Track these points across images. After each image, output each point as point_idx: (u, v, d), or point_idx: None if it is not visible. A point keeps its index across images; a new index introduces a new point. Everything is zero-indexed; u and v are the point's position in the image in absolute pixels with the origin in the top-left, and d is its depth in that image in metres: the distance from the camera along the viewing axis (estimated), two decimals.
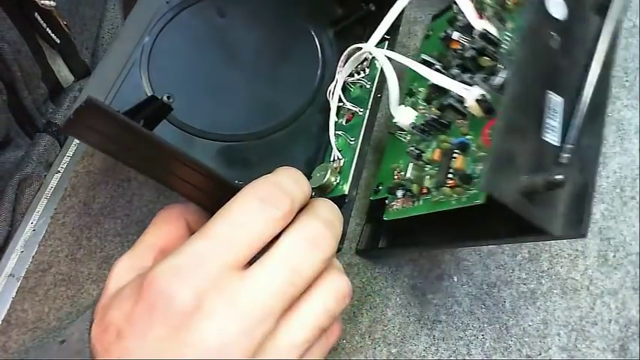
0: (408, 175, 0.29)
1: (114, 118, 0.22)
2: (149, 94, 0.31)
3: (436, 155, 0.28)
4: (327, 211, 0.25)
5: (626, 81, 0.39)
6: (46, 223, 0.36)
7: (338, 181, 0.31)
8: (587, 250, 0.34)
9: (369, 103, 0.33)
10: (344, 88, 0.34)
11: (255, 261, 0.23)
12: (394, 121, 0.31)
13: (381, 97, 0.33)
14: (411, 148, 0.29)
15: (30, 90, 0.40)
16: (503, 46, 0.27)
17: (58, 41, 0.41)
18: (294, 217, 0.24)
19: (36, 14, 0.39)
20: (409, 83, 0.34)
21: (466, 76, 0.27)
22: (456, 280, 0.34)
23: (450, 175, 0.26)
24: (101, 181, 0.37)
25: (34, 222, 0.36)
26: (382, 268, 0.34)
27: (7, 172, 0.39)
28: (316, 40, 0.37)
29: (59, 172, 0.38)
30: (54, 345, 0.25)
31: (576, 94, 0.23)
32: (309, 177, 0.30)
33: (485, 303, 0.33)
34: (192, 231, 0.27)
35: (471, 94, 0.25)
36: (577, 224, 0.21)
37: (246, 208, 0.23)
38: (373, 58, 0.33)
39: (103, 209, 0.36)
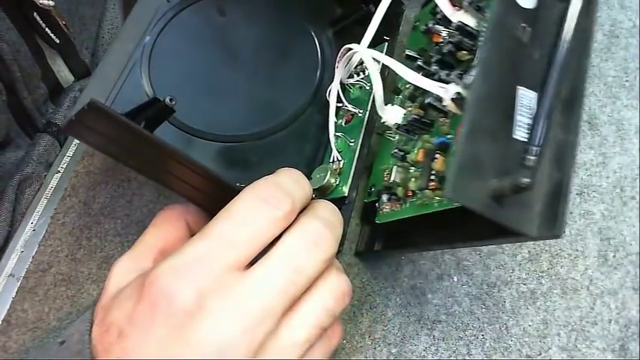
0: (393, 178, 0.29)
1: (116, 120, 0.22)
2: (149, 94, 0.31)
3: (420, 156, 0.27)
4: (327, 212, 0.25)
5: (626, 81, 0.39)
6: (46, 223, 0.36)
7: (338, 182, 0.31)
8: (587, 250, 0.34)
9: (369, 105, 0.33)
10: (344, 89, 0.34)
11: (256, 261, 0.23)
12: (382, 121, 0.31)
13: None
14: (395, 150, 0.29)
15: (30, 90, 0.40)
16: (481, 38, 0.26)
17: (58, 41, 0.41)
18: (295, 218, 0.24)
19: (35, 14, 0.39)
20: (397, 81, 0.34)
21: (444, 73, 0.26)
22: (456, 280, 0.34)
23: (432, 177, 0.25)
24: (101, 181, 0.37)
25: (34, 222, 0.36)
26: (382, 268, 0.34)
27: (7, 173, 0.39)
28: (316, 40, 0.37)
29: (59, 172, 0.38)
30: (53, 346, 0.25)
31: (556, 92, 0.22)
32: (308, 178, 0.30)
33: (485, 303, 0.33)
34: (192, 232, 0.27)
35: (447, 93, 0.24)
36: (552, 224, 0.21)
37: (247, 209, 0.23)
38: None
39: (103, 209, 0.36)
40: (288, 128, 0.34)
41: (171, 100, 0.26)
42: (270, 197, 0.23)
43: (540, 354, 0.32)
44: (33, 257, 0.35)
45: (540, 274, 0.34)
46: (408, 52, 0.31)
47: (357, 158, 0.31)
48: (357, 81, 0.34)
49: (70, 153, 0.39)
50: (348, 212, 0.30)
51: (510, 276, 0.34)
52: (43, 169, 0.39)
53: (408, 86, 0.32)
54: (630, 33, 0.41)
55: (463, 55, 0.26)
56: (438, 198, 0.25)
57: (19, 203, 0.37)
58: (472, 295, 0.33)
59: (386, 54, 0.35)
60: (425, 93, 0.28)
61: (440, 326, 0.33)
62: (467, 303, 0.33)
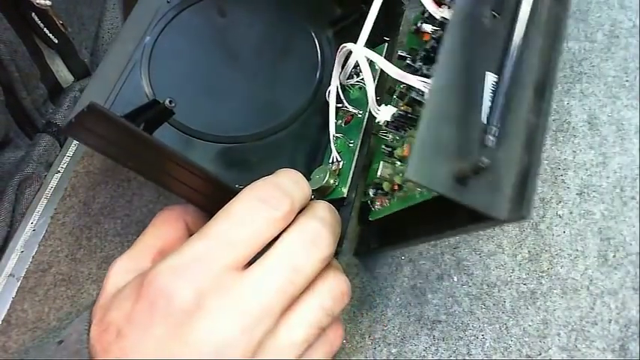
0: (379, 173, 0.29)
1: (115, 123, 0.22)
2: (149, 96, 0.31)
3: (406, 151, 0.28)
4: (325, 212, 0.25)
5: (626, 81, 0.39)
6: (46, 223, 0.36)
7: (337, 183, 0.31)
8: (587, 250, 0.34)
9: (368, 105, 0.33)
10: (344, 90, 0.34)
11: (255, 261, 0.23)
12: (377, 120, 0.31)
13: (380, 99, 0.33)
14: (383, 147, 0.29)
15: (28, 90, 0.40)
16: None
17: (56, 41, 0.41)
18: (294, 219, 0.24)
19: (33, 14, 0.39)
20: (391, 81, 0.34)
21: (426, 68, 0.26)
22: (456, 280, 0.34)
23: None
24: (101, 181, 0.37)
25: (34, 222, 0.36)
26: (382, 268, 0.34)
27: (6, 173, 0.39)
28: (316, 40, 0.37)
29: (59, 172, 0.38)
30: (51, 345, 0.25)
31: (515, 72, 0.22)
32: (308, 178, 0.30)
33: (485, 303, 0.33)
34: (191, 232, 0.27)
35: (428, 87, 0.25)
36: (519, 206, 0.20)
37: (246, 209, 0.23)
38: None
39: (103, 209, 0.36)
40: (287, 129, 0.34)
41: (170, 102, 0.26)
42: (269, 198, 0.23)
43: (540, 354, 0.32)
44: (33, 257, 0.35)
45: (540, 274, 0.34)
46: (399, 52, 0.31)
47: (357, 159, 0.31)
48: (357, 82, 0.34)
49: (70, 153, 0.39)
50: (347, 212, 0.30)
51: (510, 276, 0.34)
52: (43, 169, 0.39)
53: (402, 86, 0.32)
54: (630, 33, 0.41)
55: None
56: (419, 190, 0.26)
57: (19, 203, 0.37)
58: (472, 295, 0.33)
59: (386, 54, 0.35)
60: (411, 89, 0.28)
61: (440, 326, 0.33)
62: (467, 303, 0.33)
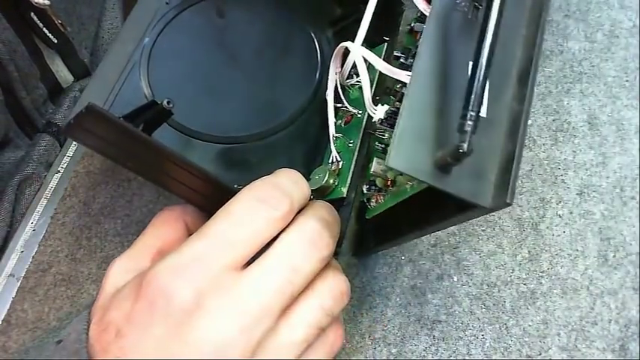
0: (372, 169, 0.29)
1: (114, 124, 0.22)
2: (148, 96, 0.31)
3: None
4: (325, 212, 0.25)
5: (626, 81, 0.39)
6: (46, 223, 0.36)
7: (336, 183, 0.31)
8: (587, 250, 0.34)
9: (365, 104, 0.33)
10: (343, 90, 0.34)
11: (254, 261, 0.23)
12: (373, 120, 0.31)
13: (379, 98, 0.33)
14: (377, 143, 0.29)
15: (28, 90, 0.40)
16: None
17: (56, 41, 0.41)
18: (293, 219, 0.24)
19: (32, 14, 0.39)
20: (390, 82, 0.34)
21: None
22: (456, 280, 0.34)
23: None
24: (101, 181, 0.37)
25: (34, 222, 0.36)
26: (382, 268, 0.34)
27: (6, 173, 0.39)
28: (315, 40, 0.37)
29: (59, 172, 0.38)
30: (50, 345, 0.25)
31: (496, 60, 0.23)
32: (307, 178, 0.30)
33: (485, 303, 0.33)
34: (190, 233, 0.27)
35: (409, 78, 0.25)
36: (503, 193, 0.20)
37: (245, 209, 0.23)
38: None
39: (103, 209, 0.36)
40: (287, 129, 0.34)
41: (168, 102, 0.26)
42: (268, 197, 0.23)
43: (540, 354, 0.32)
44: (33, 257, 0.35)
45: (540, 274, 0.34)
46: (395, 52, 0.32)
47: (356, 159, 0.31)
48: (357, 82, 0.34)
49: (70, 153, 0.39)
50: (346, 212, 0.30)
51: (510, 276, 0.34)
52: (43, 169, 0.39)
53: (398, 86, 0.32)
54: (630, 33, 0.41)
55: None
56: (409, 183, 0.26)
57: (19, 203, 0.37)
58: (472, 295, 0.33)
59: (385, 54, 0.35)
60: (404, 86, 0.29)
61: (440, 326, 0.33)
62: (467, 303, 0.33)
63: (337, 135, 0.33)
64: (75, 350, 0.23)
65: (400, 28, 0.36)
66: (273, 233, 0.23)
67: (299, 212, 0.24)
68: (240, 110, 0.34)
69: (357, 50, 0.29)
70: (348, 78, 0.34)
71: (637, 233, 0.34)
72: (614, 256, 0.34)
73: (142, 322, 0.21)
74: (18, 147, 0.41)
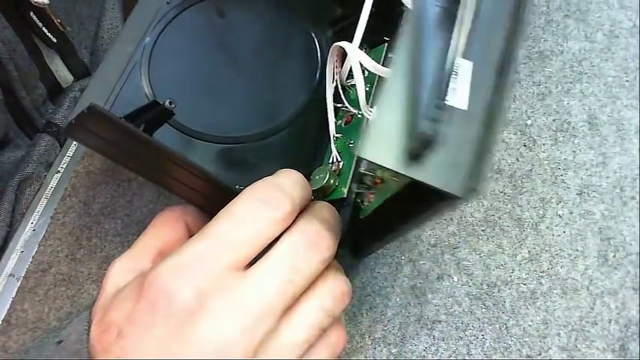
0: (362, 168, 0.29)
1: (115, 124, 0.22)
2: (149, 96, 0.31)
3: None
4: (326, 213, 0.25)
5: (626, 81, 0.39)
6: (46, 223, 0.36)
7: (337, 183, 0.31)
8: (587, 250, 0.34)
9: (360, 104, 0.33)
10: (344, 90, 0.34)
11: (255, 262, 0.23)
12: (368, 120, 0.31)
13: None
14: None
15: (28, 90, 0.40)
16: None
17: (55, 40, 0.41)
18: (294, 219, 0.24)
19: (31, 13, 0.39)
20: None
21: None
22: (456, 280, 0.34)
23: None
24: (101, 181, 0.37)
25: (34, 222, 0.36)
26: (382, 268, 0.34)
27: (6, 173, 0.39)
28: (316, 40, 0.37)
29: (59, 172, 0.38)
30: (51, 346, 0.25)
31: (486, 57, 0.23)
32: (308, 179, 0.30)
33: (485, 303, 0.33)
34: (191, 233, 0.27)
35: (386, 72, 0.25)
36: (475, 180, 0.21)
37: (247, 209, 0.23)
38: None
39: (103, 209, 0.36)
40: (287, 129, 0.34)
41: (170, 102, 0.26)
42: (269, 198, 0.23)
43: (540, 354, 0.32)
44: (33, 257, 0.35)
45: (540, 274, 0.34)
46: (389, 54, 0.31)
47: (357, 159, 0.31)
48: None
49: (70, 153, 0.39)
50: (347, 213, 0.30)
51: (510, 276, 0.34)
52: (43, 169, 0.39)
53: None
54: (630, 33, 0.41)
55: None
56: (394, 179, 0.26)
57: (19, 203, 0.37)
58: (472, 295, 0.33)
59: (385, 54, 0.35)
60: None
61: (440, 326, 0.33)
62: (467, 303, 0.33)
63: (338, 135, 0.33)
64: (75, 350, 0.23)
65: (400, 29, 0.36)
66: (274, 234, 0.23)
67: (301, 213, 0.24)
68: (241, 110, 0.34)
69: (353, 51, 0.29)
70: (348, 78, 0.34)
71: (637, 233, 0.35)
72: (614, 256, 0.34)
73: (144, 322, 0.21)
74: (18, 147, 0.40)
